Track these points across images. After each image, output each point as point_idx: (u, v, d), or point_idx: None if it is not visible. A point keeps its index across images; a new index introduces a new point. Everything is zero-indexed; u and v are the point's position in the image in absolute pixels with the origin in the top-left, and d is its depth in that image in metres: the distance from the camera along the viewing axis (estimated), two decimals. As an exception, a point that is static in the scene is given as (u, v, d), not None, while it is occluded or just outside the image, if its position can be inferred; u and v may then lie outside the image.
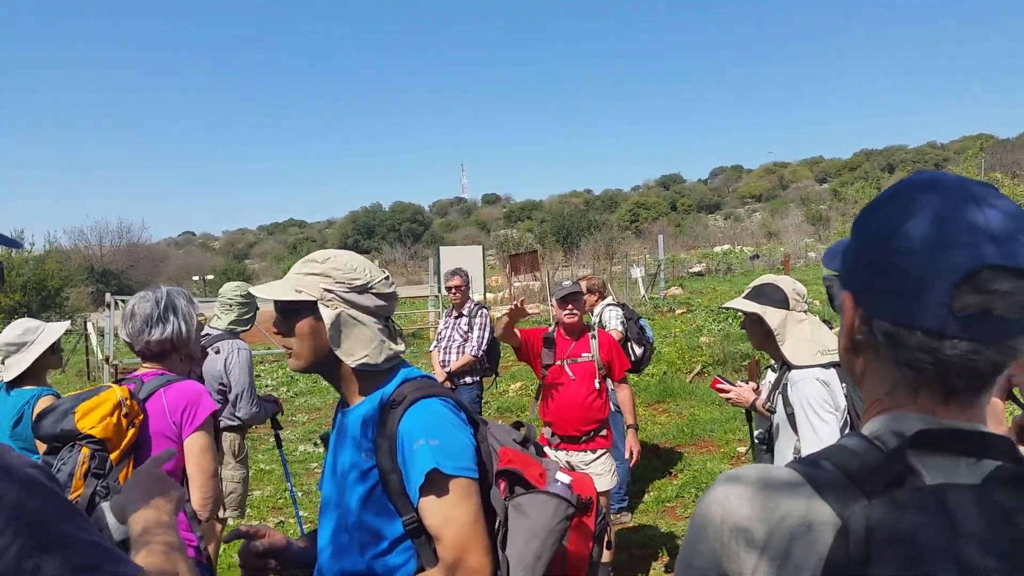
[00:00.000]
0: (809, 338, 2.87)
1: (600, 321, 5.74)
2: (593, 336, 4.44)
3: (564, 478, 1.56)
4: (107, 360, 12.19)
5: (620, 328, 5.64)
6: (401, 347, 1.68)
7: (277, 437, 4.75)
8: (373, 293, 1.62)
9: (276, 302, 1.63)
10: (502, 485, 1.52)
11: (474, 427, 1.61)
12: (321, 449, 8.20)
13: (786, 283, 3.06)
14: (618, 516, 5.57)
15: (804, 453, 2.72)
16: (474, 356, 6.10)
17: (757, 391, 3.42)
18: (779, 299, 2.98)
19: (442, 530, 1.46)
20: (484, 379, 6.36)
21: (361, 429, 1.58)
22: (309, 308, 1.60)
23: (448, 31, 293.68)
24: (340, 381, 1.68)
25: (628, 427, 4.54)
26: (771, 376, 3.23)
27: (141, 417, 2.23)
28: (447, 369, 6.06)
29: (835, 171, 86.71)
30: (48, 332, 3.12)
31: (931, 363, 0.76)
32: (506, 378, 10.97)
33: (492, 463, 1.61)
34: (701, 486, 6.20)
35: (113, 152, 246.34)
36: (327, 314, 1.57)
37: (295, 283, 1.61)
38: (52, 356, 3.15)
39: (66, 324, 3.37)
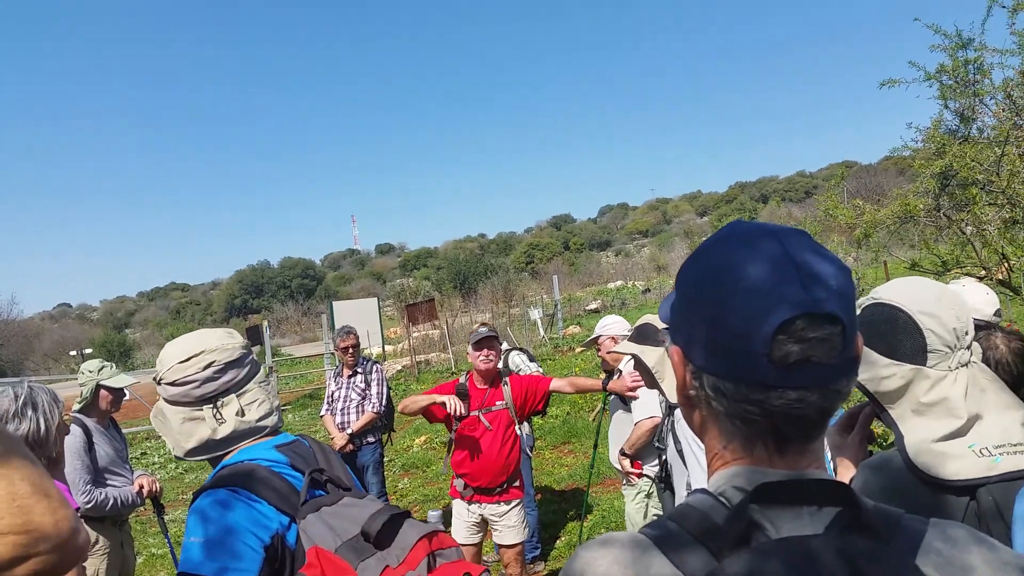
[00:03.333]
0: None
1: (508, 366, 5.74)
2: (505, 383, 4.38)
3: None
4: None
5: (538, 368, 5.70)
6: (227, 430, 1.63)
7: (161, 521, 4.40)
8: (165, 383, 1.64)
9: None
10: None
11: (289, 517, 1.48)
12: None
13: (659, 320, 3.11)
14: (532, 566, 5.47)
15: (694, 487, 2.81)
16: (376, 412, 5.95)
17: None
18: (656, 337, 3.02)
19: None
20: (382, 436, 6.21)
21: None
22: None
23: (327, 79, 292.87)
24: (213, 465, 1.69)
25: (605, 383, 4.24)
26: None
27: None
28: (349, 430, 5.86)
29: (713, 204, 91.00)
30: None
31: (759, 414, 0.76)
32: (409, 432, 10.73)
33: (301, 563, 1.42)
34: (611, 525, 6.19)
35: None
36: (152, 412, 1.69)
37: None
38: None
39: None
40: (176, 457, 1.66)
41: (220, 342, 1.66)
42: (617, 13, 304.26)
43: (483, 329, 4.44)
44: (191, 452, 1.64)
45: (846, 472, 1.55)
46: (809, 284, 0.73)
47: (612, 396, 4.75)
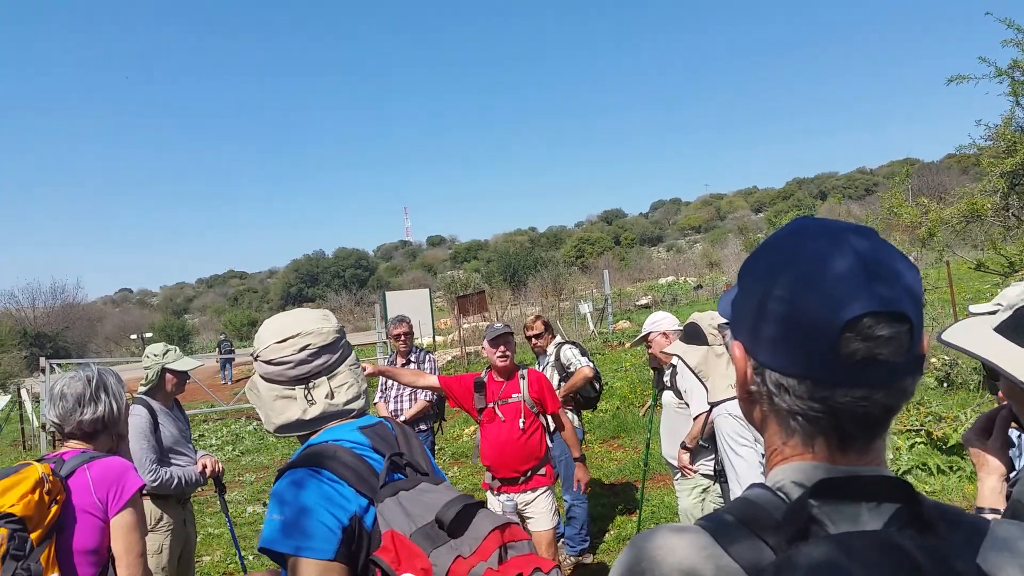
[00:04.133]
0: (724, 372, 2.87)
1: (560, 360, 5.72)
2: (523, 376, 4.43)
3: None
4: (44, 427, 11.64)
5: (590, 363, 5.65)
6: (316, 411, 1.67)
7: (222, 501, 4.55)
8: (261, 360, 1.68)
9: None
10: (378, 573, 1.37)
11: (367, 500, 1.50)
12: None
13: (704, 319, 3.09)
14: (580, 557, 5.51)
15: (730, 488, 2.79)
16: (428, 401, 6.03)
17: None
18: (702, 336, 3.00)
19: None
20: (433, 425, 6.30)
21: None
22: None
23: (385, 72, 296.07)
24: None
25: (575, 460, 4.56)
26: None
27: (63, 495, 2.15)
28: (402, 418, 5.96)
29: (769, 200, 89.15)
30: None
31: (823, 411, 0.76)
32: (459, 422, 10.84)
33: (377, 545, 1.43)
34: (661, 520, 6.17)
35: (44, 208, 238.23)
36: (248, 384, 1.74)
37: None
38: None
39: (4, 399, 3.21)
40: (267, 431, 1.73)
41: (316, 325, 1.70)
42: (674, 4, 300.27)
43: (499, 325, 4.52)
44: (281, 428, 1.69)
45: (989, 477, 1.54)
46: (878, 281, 0.73)
47: (663, 391, 4.74)
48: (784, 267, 0.78)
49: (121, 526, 2.25)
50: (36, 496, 2.05)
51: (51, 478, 2.12)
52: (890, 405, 0.76)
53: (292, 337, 1.66)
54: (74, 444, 2.40)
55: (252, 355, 1.73)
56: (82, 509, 2.20)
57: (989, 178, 6.08)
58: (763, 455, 2.65)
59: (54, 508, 2.10)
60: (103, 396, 2.41)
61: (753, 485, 0.83)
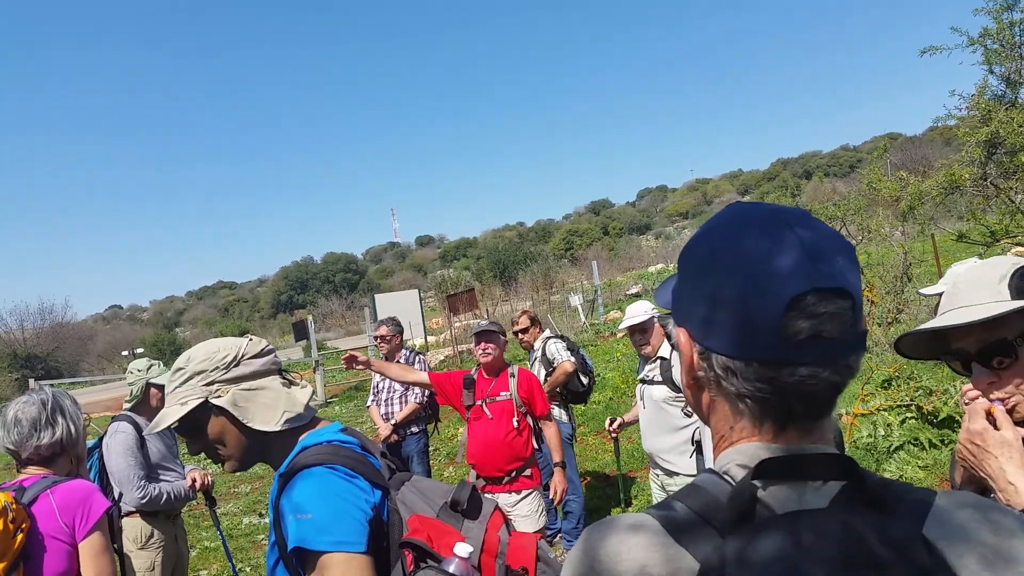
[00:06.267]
0: None
1: (545, 355, 5.70)
2: (512, 375, 4.41)
3: (463, 550, 1.41)
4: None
5: (572, 359, 5.62)
6: (307, 391, 1.71)
7: (213, 514, 4.51)
8: (249, 358, 1.66)
9: (178, 427, 1.64)
10: (409, 557, 1.41)
11: (382, 492, 1.53)
12: (266, 520, 7.92)
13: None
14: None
15: (704, 459, 2.76)
16: (419, 403, 6.00)
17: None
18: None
19: None
20: (427, 426, 6.26)
21: (271, 499, 1.56)
22: (205, 411, 1.62)
23: (365, 76, 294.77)
24: (273, 457, 1.67)
25: (555, 465, 4.50)
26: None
27: (28, 523, 2.12)
28: (393, 421, 5.94)
29: (755, 183, 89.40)
30: None
31: (771, 392, 0.76)
32: (454, 422, 10.81)
33: (398, 533, 1.49)
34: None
35: (29, 229, 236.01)
36: (222, 402, 1.60)
37: (177, 399, 1.63)
38: None
39: None
40: (280, 430, 1.61)
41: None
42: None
43: (483, 323, 4.50)
44: (308, 408, 1.69)
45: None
46: (817, 259, 0.73)
47: (644, 385, 4.70)
48: (723, 251, 0.78)
49: (90, 550, 2.22)
50: (0, 526, 2.02)
51: (14, 507, 2.09)
52: (835, 382, 0.75)
53: (252, 336, 1.73)
54: (33, 470, 2.36)
55: (230, 364, 1.63)
56: (48, 535, 2.17)
57: (967, 148, 6.07)
58: None
59: (19, 537, 2.08)
60: (59, 419, 2.38)
61: (705, 470, 0.82)
